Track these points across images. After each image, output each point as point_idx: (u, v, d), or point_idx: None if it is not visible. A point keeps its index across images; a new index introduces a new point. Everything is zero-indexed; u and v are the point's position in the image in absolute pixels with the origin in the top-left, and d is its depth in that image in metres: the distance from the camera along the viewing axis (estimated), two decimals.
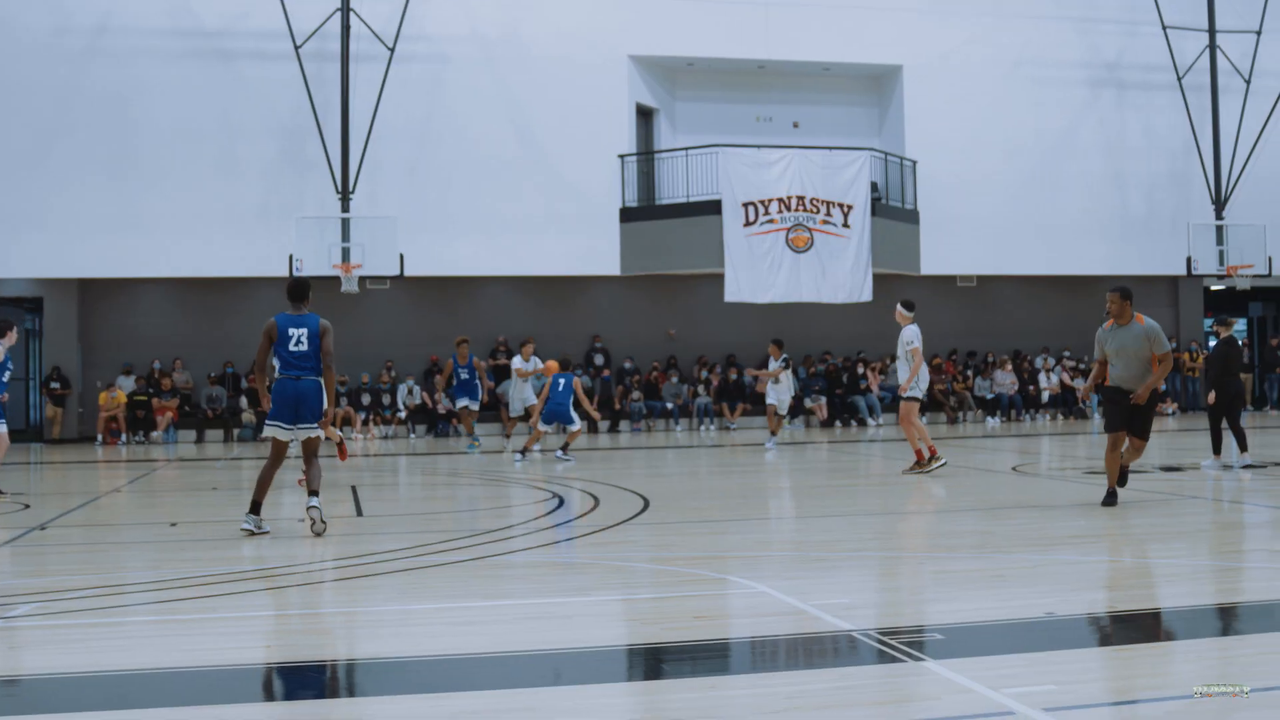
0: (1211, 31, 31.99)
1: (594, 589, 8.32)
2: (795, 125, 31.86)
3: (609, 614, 7.65)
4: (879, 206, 29.34)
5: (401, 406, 29.11)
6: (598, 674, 6.16)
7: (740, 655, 6.57)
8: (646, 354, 31.37)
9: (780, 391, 22.72)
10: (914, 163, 30.66)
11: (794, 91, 32.07)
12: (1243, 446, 16.32)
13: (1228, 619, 7.29)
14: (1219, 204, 31.97)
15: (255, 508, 11.00)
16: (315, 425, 11.02)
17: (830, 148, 29.22)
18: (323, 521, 10.75)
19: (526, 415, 22.98)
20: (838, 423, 30.43)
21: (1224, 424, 16.48)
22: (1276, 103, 32.12)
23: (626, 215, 29.28)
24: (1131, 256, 32.27)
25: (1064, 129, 31.97)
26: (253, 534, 10.81)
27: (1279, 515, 11.68)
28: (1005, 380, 32.05)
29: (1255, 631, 7.01)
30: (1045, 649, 6.47)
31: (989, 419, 31.27)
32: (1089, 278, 33.00)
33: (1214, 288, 35.40)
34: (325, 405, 11.11)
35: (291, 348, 10.91)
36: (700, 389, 30.68)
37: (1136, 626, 6.97)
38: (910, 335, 16.03)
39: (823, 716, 5.21)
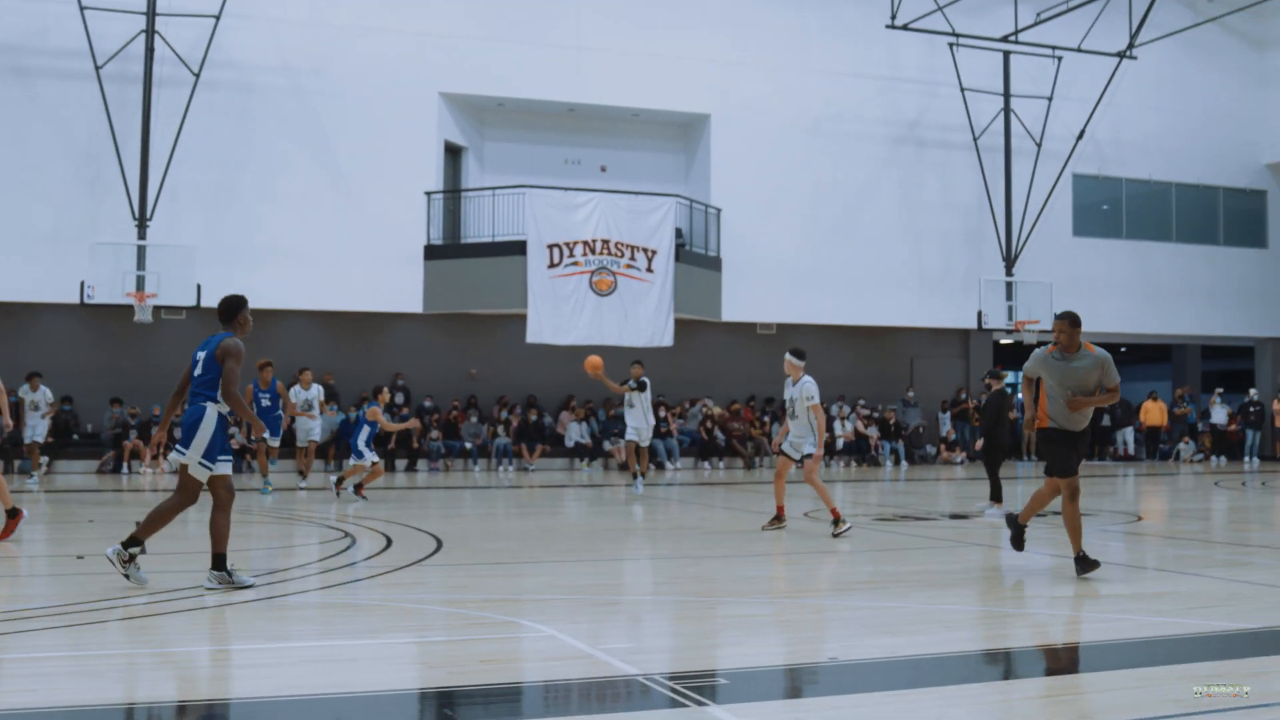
0: (1006, 96, 33.20)
1: (382, 631, 8.24)
2: (603, 169, 32.13)
3: (395, 657, 7.58)
4: (683, 252, 29.71)
5: None
6: (383, 719, 6.10)
7: (525, 700, 6.57)
8: (447, 393, 31.21)
9: (635, 418, 21.12)
10: (718, 210, 31.14)
11: (602, 135, 32.37)
12: (997, 498, 17.09)
13: (1007, 664, 7.54)
14: (1009, 261, 33.13)
15: (217, 561, 9.80)
16: (184, 453, 9.86)
17: (636, 193, 29.52)
18: (125, 574, 9.74)
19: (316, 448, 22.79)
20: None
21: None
22: (1064, 166, 33.47)
23: (431, 253, 29.17)
24: (926, 308, 33.26)
25: (864, 183, 32.83)
26: (237, 587, 9.68)
27: (1059, 562, 12.07)
28: None
29: (1032, 676, 7.26)
30: (826, 694, 6.62)
31: None
32: (885, 328, 33.91)
33: (1003, 341, 36.61)
34: (202, 435, 9.82)
35: (195, 372, 10.05)
36: (500, 429, 30.60)
37: (917, 671, 7.15)
38: (811, 390, 14.60)
39: None
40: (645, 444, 21.32)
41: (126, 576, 9.72)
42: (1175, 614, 9.04)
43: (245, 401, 19.48)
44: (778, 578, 10.92)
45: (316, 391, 22.87)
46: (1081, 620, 8.80)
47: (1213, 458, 35.82)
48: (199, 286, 26.35)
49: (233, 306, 10.30)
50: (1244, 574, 11.08)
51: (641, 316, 28.77)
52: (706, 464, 31.44)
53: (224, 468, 9.93)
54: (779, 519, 14.96)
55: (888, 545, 13.36)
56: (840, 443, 33.02)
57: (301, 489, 21.62)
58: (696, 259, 30.38)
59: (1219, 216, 37.34)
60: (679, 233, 29.76)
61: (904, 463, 33.29)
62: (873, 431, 33.48)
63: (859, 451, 33.22)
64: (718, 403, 32.46)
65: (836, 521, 14.29)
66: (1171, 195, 36.67)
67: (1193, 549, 12.55)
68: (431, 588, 10.25)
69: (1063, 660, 7.67)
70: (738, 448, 31.65)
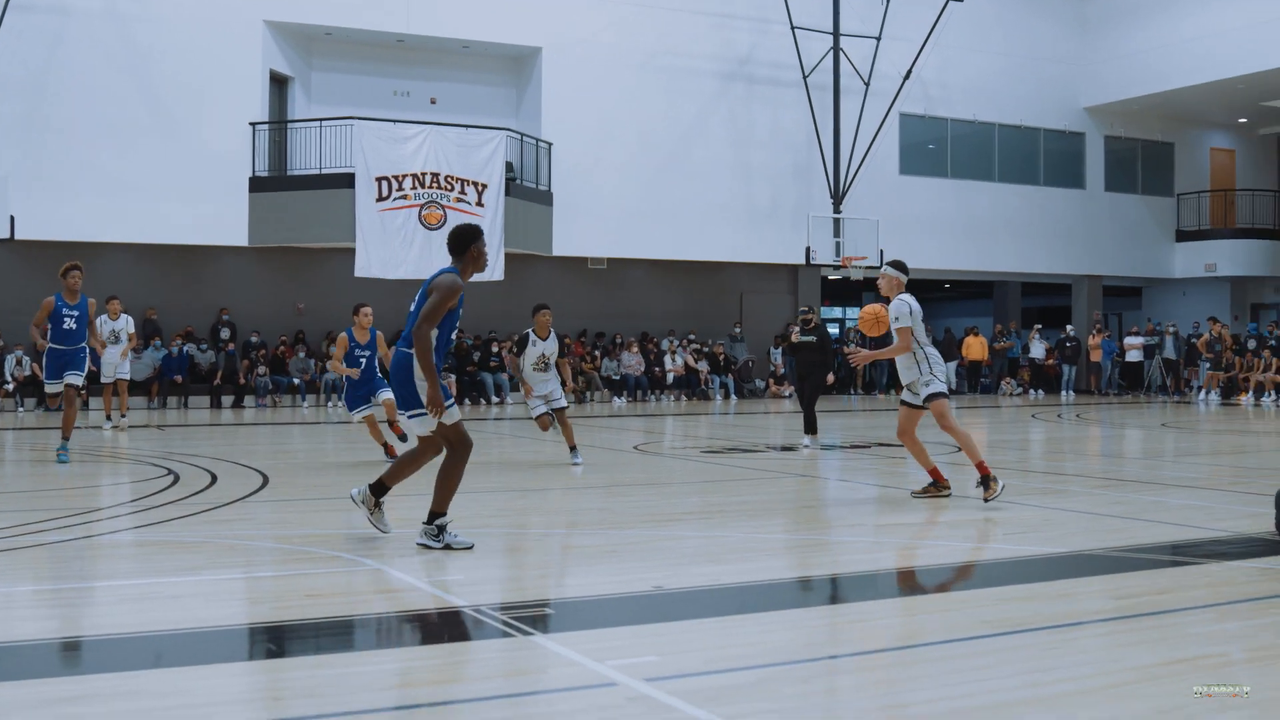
0: (836, 34, 33.51)
1: (205, 568, 8.11)
2: (433, 101, 31.76)
3: (219, 593, 7.48)
4: (513, 187, 29.56)
5: (9, 378, 27.62)
6: (204, 655, 6.00)
7: (352, 633, 6.54)
8: (274, 328, 30.70)
9: (551, 381, 15.82)
10: (549, 145, 31.01)
11: (433, 67, 31.97)
12: (812, 430, 17.31)
13: (830, 589, 7.73)
14: (837, 198, 33.57)
15: (433, 516, 8.85)
16: (405, 412, 8.88)
17: (467, 126, 29.23)
18: (371, 520, 9.09)
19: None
20: (466, 401, 30.50)
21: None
22: (891, 105, 33.94)
23: (256, 185, 28.59)
24: (756, 244, 33.57)
25: (695, 119, 32.93)
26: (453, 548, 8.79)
27: (883, 493, 12.35)
28: (632, 361, 32.81)
29: (854, 600, 7.44)
30: (651, 621, 6.69)
31: (615, 399, 31.94)
32: (715, 264, 34.17)
33: (831, 277, 37.13)
34: (421, 387, 8.71)
35: (410, 309, 8.90)
36: (328, 365, 30.18)
37: (741, 598, 7.27)
38: (898, 310, 11.45)
39: (431, 693, 5.26)
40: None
41: (373, 523, 9.12)
42: (992, 540, 9.35)
43: (40, 318, 16.97)
44: (606, 509, 11.00)
45: (125, 322, 21.72)
46: (903, 547, 9.03)
47: (1031, 391, 36.87)
48: (12, 218, 25.53)
49: (465, 238, 8.86)
50: (1057, 501, 11.43)
51: None
52: None
53: (451, 414, 8.79)
54: (937, 485, 11.76)
55: (715, 477, 13.53)
56: (670, 377, 33.27)
57: (107, 429, 20.91)
58: (527, 193, 30.25)
59: (1039, 157, 38.31)
60: (510, 167, 29.61)
61: (733, 396, 33.68)
62: (703, 366, 33.79)
63: (689, 385, 33.51)
64: None
65: (936, 485, 11.74)
66: (994, 136, 37.48)
67: (1011, 478, 12.83)
68: (257, 523, 10.14)
69: (884, 585, 7.89)
70: (568, 383, 31.64)
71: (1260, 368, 32.85)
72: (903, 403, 11.63)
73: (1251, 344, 33.83)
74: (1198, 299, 41.05)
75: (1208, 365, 34.44)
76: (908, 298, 11.45)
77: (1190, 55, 35.18)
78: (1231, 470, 14.83)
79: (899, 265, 11.66)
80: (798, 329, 18.23)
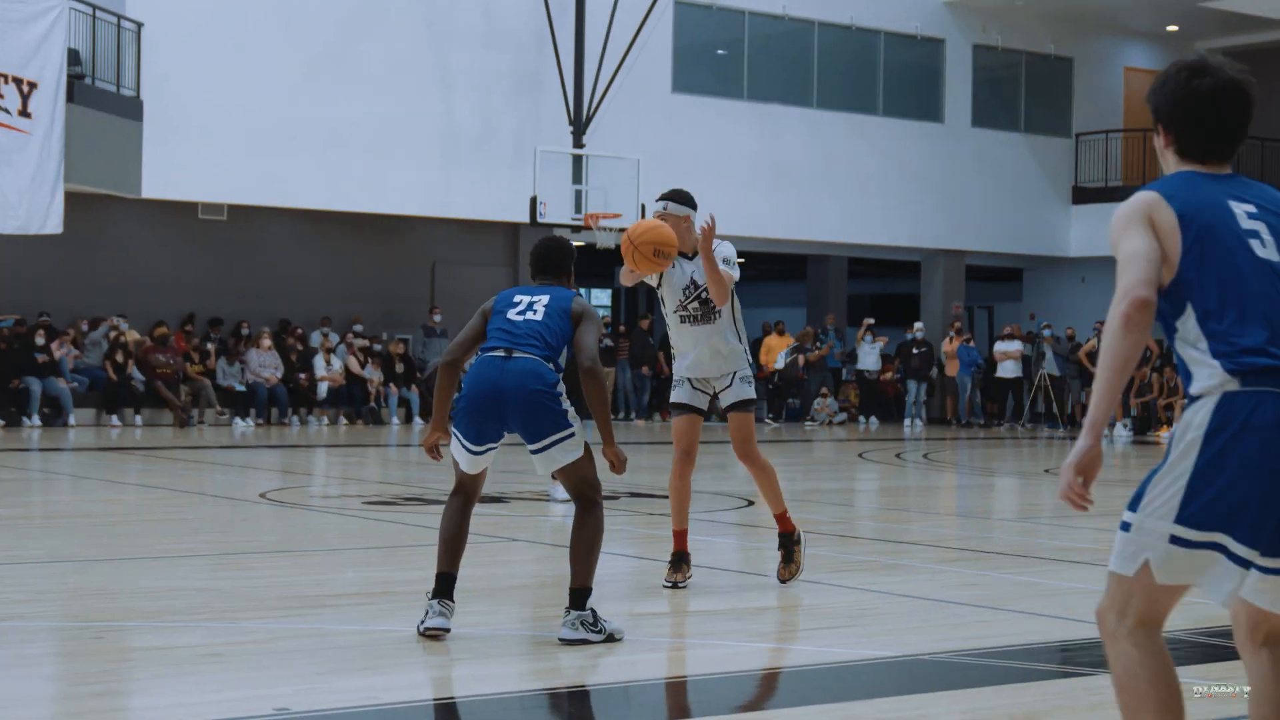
0: None
1: None
2: None
3: None
4: (81, 89, 28.57)
5: None
6: None
7: None
8: None
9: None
10: (138, 26, 30.00)
11: None
12: None
13: (539, 712, 7.85)
14: (579, 126, 33.03)
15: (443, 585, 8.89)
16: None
17: None
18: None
19: None
20: (3, 421, 29.15)
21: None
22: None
23: None
24: (456, 191, 33.64)
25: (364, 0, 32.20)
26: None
27: (638, 566, 12.35)
28: (265, 363, 32.10)
29: None
30: None
31: (238, 420, 31.30)
32: (394, 218, 33.69)
33: (574, 243, 36.65)
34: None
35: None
36: None
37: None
38: (727, 251, 10.82)
39: None
40: None
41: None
42: (781, 638, 9.96)
43: None
44: (212, 591, 10.75)
45: None
46: (670, 646, 9.25)
47: (861, 418, 37.04)
48: None
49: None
50: (888, 582, 11.69)
51: (10, 186, 27.34)
52: (115, 417, 30.45)
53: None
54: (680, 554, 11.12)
55: (382, 540, 14.10)
56: (323, 388, 32.44)
57: None
58: (104, 100, 29.41)
59: (878, 74, 38.67)
60: (75, 57, 28.60)
61: (417, 419, 32.99)
62: (371, 373, 32.98)
63: (353, 401, 33.08)
64: (135, 325, 31.28)
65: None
66: (813, 40, 37.63)
67: (823, 547, 12.83)
68: None
69: (638, 705, 8.09)
70: (164, 394, 30.62)
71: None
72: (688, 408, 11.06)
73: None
74: (1101, 287, 41.71)
75: (1078, 384, 35.41)
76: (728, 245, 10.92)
77: None
78: None
79: (679, 197, 11.03)
80: None
